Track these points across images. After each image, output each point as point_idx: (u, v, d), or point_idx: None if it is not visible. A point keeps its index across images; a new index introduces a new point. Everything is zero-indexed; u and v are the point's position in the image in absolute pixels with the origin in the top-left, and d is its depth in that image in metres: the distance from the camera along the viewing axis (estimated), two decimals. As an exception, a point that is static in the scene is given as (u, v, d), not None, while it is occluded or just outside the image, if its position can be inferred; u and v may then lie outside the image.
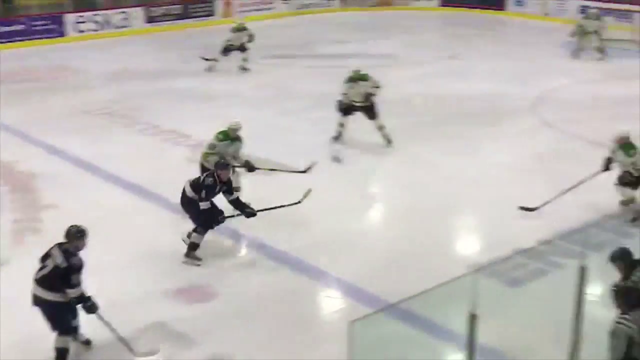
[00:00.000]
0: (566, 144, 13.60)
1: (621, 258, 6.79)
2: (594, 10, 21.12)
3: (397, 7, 30.32)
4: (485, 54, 21.82)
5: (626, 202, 10.09)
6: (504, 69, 19.57)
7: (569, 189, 10.23)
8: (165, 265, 9.01)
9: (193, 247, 9.14)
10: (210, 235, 9.25)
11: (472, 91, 17.24)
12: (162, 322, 7.74)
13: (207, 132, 11.10)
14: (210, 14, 27.14)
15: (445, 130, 14.37)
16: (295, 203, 9.81)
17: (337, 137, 13.51)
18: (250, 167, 10.57)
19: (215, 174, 9.10)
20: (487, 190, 11.36)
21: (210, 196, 9.04)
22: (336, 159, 12.62)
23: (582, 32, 20.68)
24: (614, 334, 5.89)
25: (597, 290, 7.14)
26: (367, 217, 10.87)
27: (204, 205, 8.98)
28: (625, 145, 10.05)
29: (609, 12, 24.14)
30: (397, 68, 19.15)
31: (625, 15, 22.91)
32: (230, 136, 10.46)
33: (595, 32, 20.63)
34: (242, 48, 19.00)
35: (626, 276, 6.74)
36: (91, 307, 6.98)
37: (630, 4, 24.04)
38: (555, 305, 6.80)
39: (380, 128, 13.34)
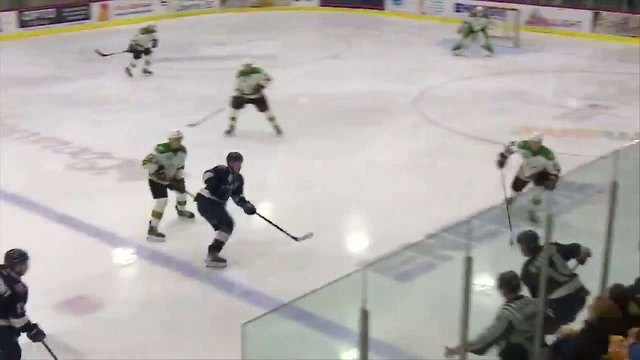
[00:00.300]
0: (447, 140, 13.96)
1: (525, 241, 7.11)
2: (480, 9, 21.76)
3: (277, 8, 30.39)
4: (365, 53, 22.14)
5: (538, 202, 10.08)
6: (385, 68, 19.90)
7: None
8: (53, 277, 8.70)
9: (218, 247, 9.06)
10: (91, 243, 9.03)
11: (354, 90, 17.45)
12: (51, 335, 7.50)
13: (88, 138, 10.89)
14: (86, 17, 26.45)
15: (330, 129, 14.51)
16: (293, 238, 9.49)
17: (230, 131, 13.85)
18: (180, 189, 10.13)
19: (228, 165, 9.22)
20: (373, 187, 11.53)
21: (222, 184, 9.12)
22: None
23: (468, 30, 21.23)
24: (497, 318, 6.10)
25: (484, 281, 7.35)
26: (255, 216, 10.81)
27: (207, 175, 9.08)
28: (543, 149, 10.02)
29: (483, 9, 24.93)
30: (279, 69, 19.08)
31: (499, 13, 23.71)
32: (172, 147, 9.98)
33: (483, 30, 21.27)
34: (147, 51, 18.58)
35: (530, 260, 7.02)
36: (37, 335, 6.60)
37: (504, 2, 24.86)
38: (444, 297, 6.97)
39: (272, 119, 13.77)
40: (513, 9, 23.71)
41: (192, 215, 10.19)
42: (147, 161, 9.81)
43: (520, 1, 25.25)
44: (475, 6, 22.72)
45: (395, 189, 11.35)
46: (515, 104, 16.27)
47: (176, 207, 10.38)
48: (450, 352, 5.95)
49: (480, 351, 6.07)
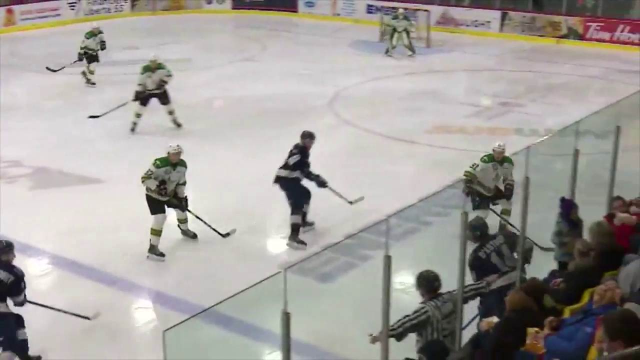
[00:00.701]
0: (363, 140, 14.07)
1: (474, 228, 7.23)
2: (402, 11, 22.29)
3: (189, 11, 30.17)
4: (279, 55, 22.16)
5: (508, 212, 9.69)
6: (299, 70, 19.96)
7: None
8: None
9: (296, 229, 9.56)
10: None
11: (269, 92, 17.45)
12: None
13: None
14: (-9, 22, 25.73)
15: (246, 131, 14.47)
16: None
17: (134, 128, 14.18)
18: (181, 207, 9.75)
19: (303, 143, 9.74)
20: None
21: (305, 160, 9.78)
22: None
23: (392, 32, 21.71)
24: (417, 310, 6.19)
25: (404, 279, 7.45)
26: (169, 222, 10.70)
27: (294, 158, 9.72)
28: (505, 158, 9.69)
29: (394, 10, 25.31)
30: (193, 72, 19.03)
31: (410, 14, 24.07)
32: (170, 162, 9.45)
33: (405, 30, 21.71)
34: (95, 56, 18.04)
35: (479, 246, 7.23)
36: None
37: (415, 2, 25.27)
38: (365, 296, 7.02)
39: (171, 113, 14.31)
40: (424, 10, 24.10)
41: (194, 235, 9.87)
42: (146, 178, 9.33)
43: (430, 2, 25.72)
44: (395, 8, 23.16)
45: (312, 189, 11.36)
46: (428, 103, 16.53)
47: (178, 227, 9.95)
48: (373, 339, 6.00)
49: (399, 336, 6.13)
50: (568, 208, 7.58)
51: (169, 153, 9.43)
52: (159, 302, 8.40)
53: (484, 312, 6.86)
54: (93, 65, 17.95)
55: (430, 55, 22.00)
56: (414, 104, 16.41)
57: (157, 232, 9.40)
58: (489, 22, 25.49)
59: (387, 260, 5.19)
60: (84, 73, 18.00)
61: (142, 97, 13.89)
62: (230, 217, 10.37)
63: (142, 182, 9.36)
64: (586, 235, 7.03)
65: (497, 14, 25.42)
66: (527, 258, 7.14)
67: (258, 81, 18.64)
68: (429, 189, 7.64)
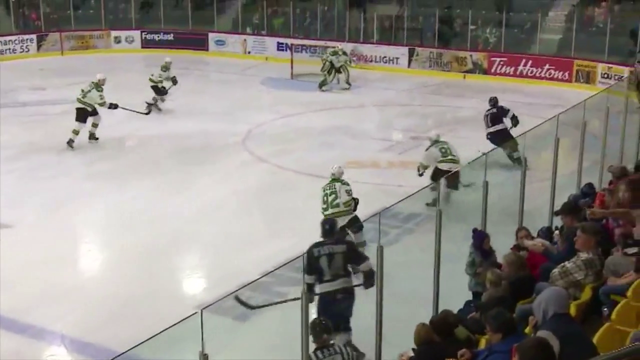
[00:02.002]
0: (277, 176, 14.08)
1: (326, 223, 7.90)
2: (342, 46, 23.01)
3: (98, 50, 29.80)
4: (192, 93, 21.99)
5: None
6: (212, 107, 19.94)
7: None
8: None
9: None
10: None
11: (183, 130, 17.33)
12: None
13: None
14: None
15: (161, 169, 14.34)
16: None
17: (71, 142, 15.08)
18: None
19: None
20: (207, 226, 11.43)
21: None
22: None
23: (329, 67, 22.15)
24: None
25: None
26: (86, 264, 10.51)
27: None
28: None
29: (304, 48, 25.68)
30: (105, 111, 18.72)
31: (322, 50, 24.45)
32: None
33: (342, 66, 22.29)
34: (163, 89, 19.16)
35: (319, 243, 7.60)
36: None
37: (325, 39, 25.68)
38: (284, 333, 6.98)
39: (95, 126, 15.68)
40: (334, 46, 24.38)
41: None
42: None
43: (341, 38, 26.14)
44: (334, 46, 23.50)
45: (228, 227, 11.30)
46: (341, 138, 16.66)
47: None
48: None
49: None
50: (480, 239, 7.74)
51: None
52: (71, 348, 8.17)
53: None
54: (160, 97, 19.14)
55: (343, 91, 22.18)
56: (326, 139, 16.53)
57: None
58: (397, 58, 26.02)
59: (306, 296, 5.19)
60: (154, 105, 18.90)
61: (82, 114, 15.47)
62: (140, 257, 10.20)
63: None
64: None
65: (405, 50, 26.00)
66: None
67: (172, 119, 18.51)
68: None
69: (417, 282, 7.90)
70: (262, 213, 11.92)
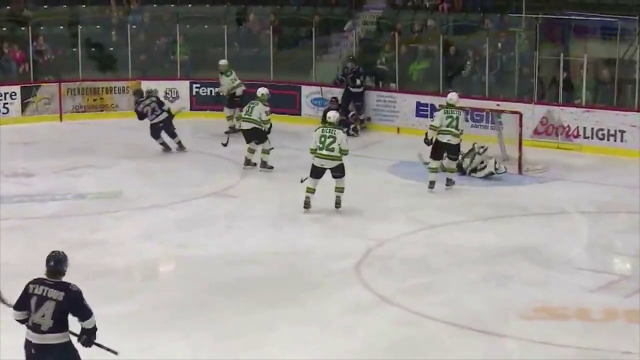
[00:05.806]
0: (415, 329, 9.78)
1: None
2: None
3: (120, 114, 20.22)
4: (263, 185, 15.43)
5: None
6: (302, 210, 13.42)
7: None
8: None
9: None
10: None
11: (249, 249, 11.89)
12: None
13: None
14: None
15: (211, 316, 9.78)
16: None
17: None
18: None
19: None
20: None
21: None
22: None
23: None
24: None
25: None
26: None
27: None
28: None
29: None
30: (125, 214, 13.24)
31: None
32: None
33: None
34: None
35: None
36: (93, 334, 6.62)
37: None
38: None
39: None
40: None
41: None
42: None
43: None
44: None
45: None
46: (520, 266, 11.39)
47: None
48: None
49: None
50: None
51: None
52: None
53: None
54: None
55: (517, 186, 15.33)
56: (496, 269, 11.30)
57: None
58: (623, 131, 17.56)
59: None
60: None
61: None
62: None
63: None
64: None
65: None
66: None
67: (229, 230, 12.80)
68: None
69: None
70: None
